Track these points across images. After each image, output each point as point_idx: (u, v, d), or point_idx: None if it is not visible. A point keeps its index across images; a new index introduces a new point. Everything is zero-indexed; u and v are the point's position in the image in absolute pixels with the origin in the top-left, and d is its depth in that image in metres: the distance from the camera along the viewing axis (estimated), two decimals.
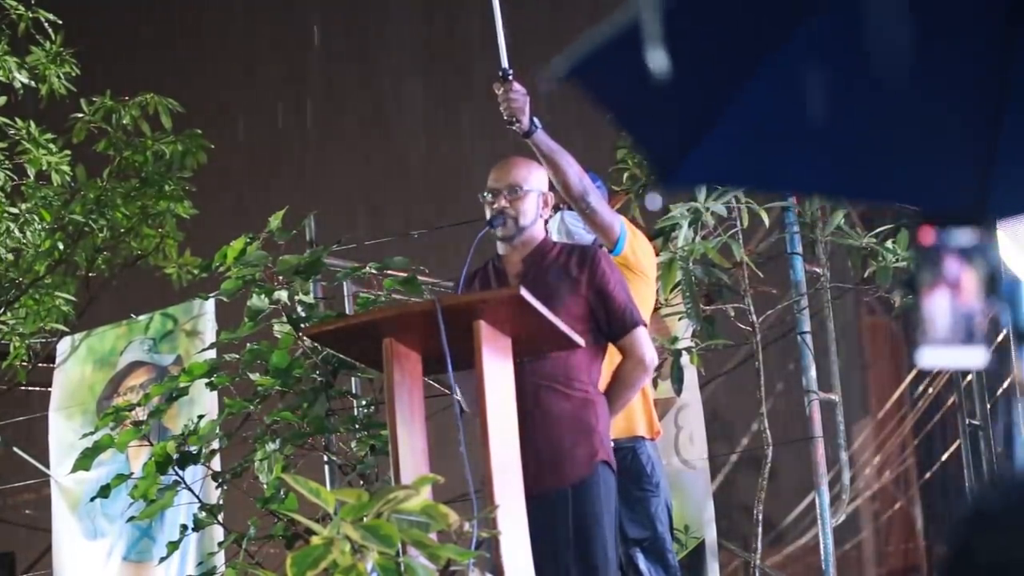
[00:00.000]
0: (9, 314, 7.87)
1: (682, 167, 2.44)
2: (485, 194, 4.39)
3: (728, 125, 2.37)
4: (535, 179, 4.39)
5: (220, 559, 5.64)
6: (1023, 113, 2.37)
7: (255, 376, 5.28)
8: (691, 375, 6.56)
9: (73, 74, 7.83)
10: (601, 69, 2.17)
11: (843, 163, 2.49)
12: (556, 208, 4.63)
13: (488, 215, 4.37)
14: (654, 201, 6.27)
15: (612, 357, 4.38)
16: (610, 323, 4.30)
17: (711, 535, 6.71)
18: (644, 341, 4.33)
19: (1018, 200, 2.31)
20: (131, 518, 5.67)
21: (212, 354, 5.63)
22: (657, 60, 2.01)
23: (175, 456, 5.24)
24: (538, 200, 4.38)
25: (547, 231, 4.48)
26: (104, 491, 5.36)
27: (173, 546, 5.38)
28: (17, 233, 7.75)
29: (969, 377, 7.10)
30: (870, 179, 2.53)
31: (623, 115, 2.39)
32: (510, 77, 4.42)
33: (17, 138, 7.75)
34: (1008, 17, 2.30)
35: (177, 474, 5.27)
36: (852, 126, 2.44)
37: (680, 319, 6.47)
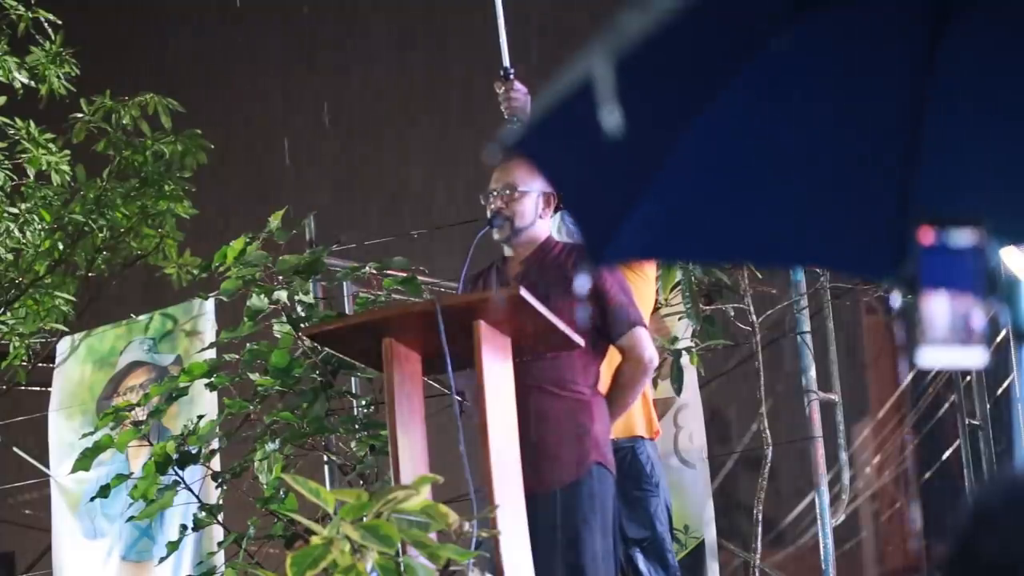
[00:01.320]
0: (9, 314, 7.86)
1: (609, 245, 2.44)
2: (487, 193, 4.39)
3: (653, 199, 2.36)
4: (536, 179, 4.37)
5: (220, 559, 5.64)
6: (930, 188, 2.40)
7: (255, 376, 5.27)
8: (691, 375, 6.55)
9: (73, 74, 7.82)
10: (540, 145, 2.16)
11: (769, 231, 2.48)
12: (556, 208, 4.63)
13: (488, 215, 4.37)
14: None
15: (612, 359, 4.38)
16: (609, 323, 4.29)
17: (711, 535, 6.71)
18: (644, 340, 4.32)
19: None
20: (131, 518, 5.67)
21: (212, 354, 5.62)
22: (583, 137, 2.00)
23: (175, 456, 5.24)
24: (538, 200, 4.37)
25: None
26: (104, 491, 5.36)
27: (173, 546, 5.37)
28: (17, 233, 7.73)
29: (969, 377, 7.09)
30: (800, 247, 2.54)
31: (564, 193, 2.40)
32: (511, 76, 4.41)
33: (17, 138, 7.73)
34: (919, 77, 2.32)
35: (177, 474, 5.26)
36: (777, 194, 2.44)
37: (680, 319, 6.46)
